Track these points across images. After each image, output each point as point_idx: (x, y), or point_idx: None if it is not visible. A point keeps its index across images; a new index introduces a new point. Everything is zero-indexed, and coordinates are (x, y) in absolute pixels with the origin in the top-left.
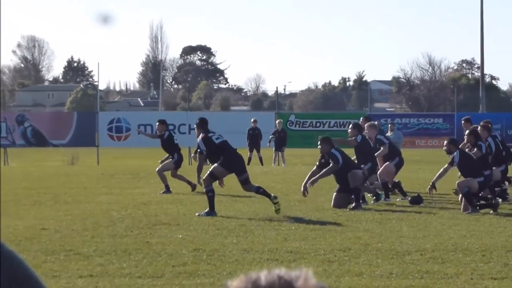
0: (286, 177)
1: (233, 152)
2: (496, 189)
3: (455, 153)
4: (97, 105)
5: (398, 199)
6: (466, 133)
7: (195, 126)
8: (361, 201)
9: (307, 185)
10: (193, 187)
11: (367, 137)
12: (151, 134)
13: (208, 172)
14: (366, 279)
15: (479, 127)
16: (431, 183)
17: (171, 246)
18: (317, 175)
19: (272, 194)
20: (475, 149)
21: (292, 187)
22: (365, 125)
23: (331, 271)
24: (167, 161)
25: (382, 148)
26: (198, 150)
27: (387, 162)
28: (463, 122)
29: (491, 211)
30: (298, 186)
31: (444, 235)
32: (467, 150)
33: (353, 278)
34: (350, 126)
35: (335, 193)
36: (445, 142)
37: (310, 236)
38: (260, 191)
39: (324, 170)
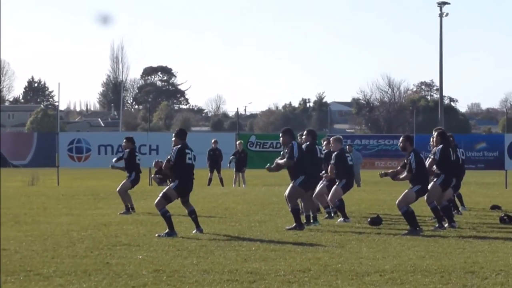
0: (246, 198)
1: (190, 179)
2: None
3: (410, 157)
4: (58, 126)
5: (339, 220)
6: (434, 135)
7: (173, 135)
8: (305, 222)
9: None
10: (127, 211)
11: (331, 150)
12: (120, 167)
13: (161, 194)
14: None
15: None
16: (385, 173)
17: (131, 266)
18: (276, 163)
19: (201, 226)
20: (432, 156)
21: (252, 208)
22: (331, 139)
23: None
24: (124, 180)
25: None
26: (168, 158)
27: (335, 186)
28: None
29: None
30: (258, 207)
31: (403, 256)
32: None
33: None
34: (304, 133)
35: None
36: (401, 138)
37: (270, 257)
38: (192, 216)
39: (283, 160)
